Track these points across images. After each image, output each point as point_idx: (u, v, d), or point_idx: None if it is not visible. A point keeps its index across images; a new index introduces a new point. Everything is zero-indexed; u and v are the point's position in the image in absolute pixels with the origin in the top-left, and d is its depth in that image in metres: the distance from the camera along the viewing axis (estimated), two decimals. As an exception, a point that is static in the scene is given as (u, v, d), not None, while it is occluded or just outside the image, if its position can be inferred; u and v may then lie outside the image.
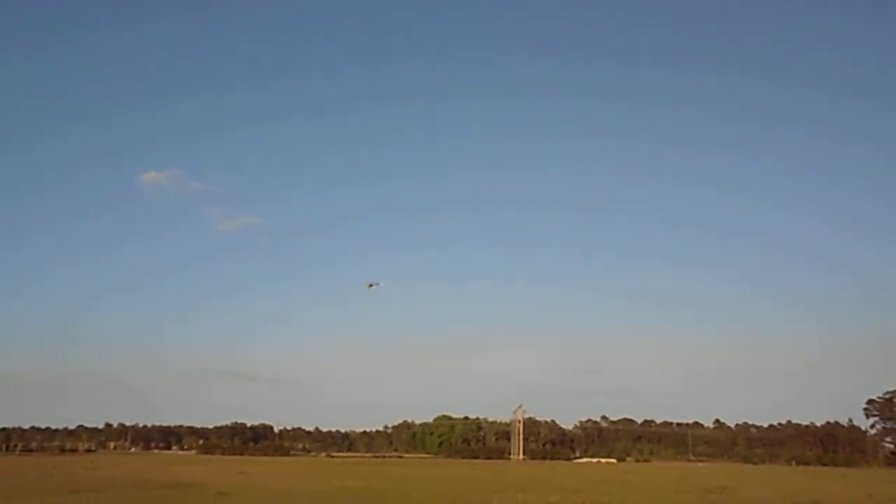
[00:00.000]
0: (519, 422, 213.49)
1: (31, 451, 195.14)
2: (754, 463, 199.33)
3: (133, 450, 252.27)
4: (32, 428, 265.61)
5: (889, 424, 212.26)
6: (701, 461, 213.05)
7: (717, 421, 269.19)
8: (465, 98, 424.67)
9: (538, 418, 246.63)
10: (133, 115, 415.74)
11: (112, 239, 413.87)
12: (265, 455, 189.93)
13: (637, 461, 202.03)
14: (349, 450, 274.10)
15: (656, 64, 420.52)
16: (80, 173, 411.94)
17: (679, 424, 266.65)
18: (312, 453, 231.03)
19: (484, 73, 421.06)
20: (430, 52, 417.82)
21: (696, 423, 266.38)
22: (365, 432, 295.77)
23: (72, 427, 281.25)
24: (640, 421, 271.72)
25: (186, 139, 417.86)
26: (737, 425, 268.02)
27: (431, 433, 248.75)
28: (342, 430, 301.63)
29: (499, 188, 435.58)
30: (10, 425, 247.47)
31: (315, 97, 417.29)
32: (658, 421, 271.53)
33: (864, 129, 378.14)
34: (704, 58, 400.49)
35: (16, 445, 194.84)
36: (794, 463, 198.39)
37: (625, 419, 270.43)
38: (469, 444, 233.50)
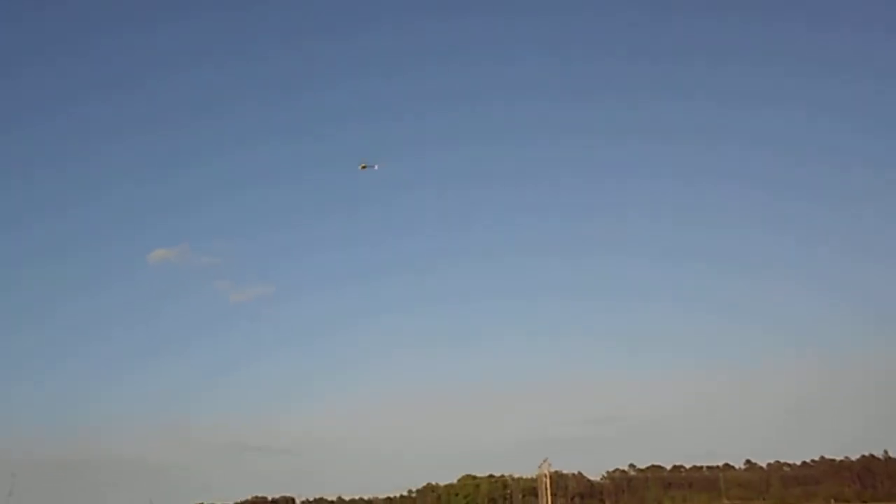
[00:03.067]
0: (545, 476, 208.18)
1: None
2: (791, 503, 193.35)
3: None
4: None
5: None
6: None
7: (749, 461, 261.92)
8: (480, 145, 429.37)
9: (565, 471, 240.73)
10: (133, 192, 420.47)
11: (124, 320, 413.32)
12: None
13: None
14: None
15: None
16: (89, 256, 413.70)
17: (710, 468, 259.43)
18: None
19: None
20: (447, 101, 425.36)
21: (727, 466, 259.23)
22: (389, 498, 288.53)
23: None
24: (669, 467, 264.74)
25: (189, 212, 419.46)
26: (769, 465, 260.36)
27: (457, 494, 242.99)
28: (365, 497, 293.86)
29: (510, 238, 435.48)
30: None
31: (317, 156, 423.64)
32: (687, 465, 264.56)
33: (866, 154, 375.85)
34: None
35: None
36: (832, 501, 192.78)
37: (653, 466, 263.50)
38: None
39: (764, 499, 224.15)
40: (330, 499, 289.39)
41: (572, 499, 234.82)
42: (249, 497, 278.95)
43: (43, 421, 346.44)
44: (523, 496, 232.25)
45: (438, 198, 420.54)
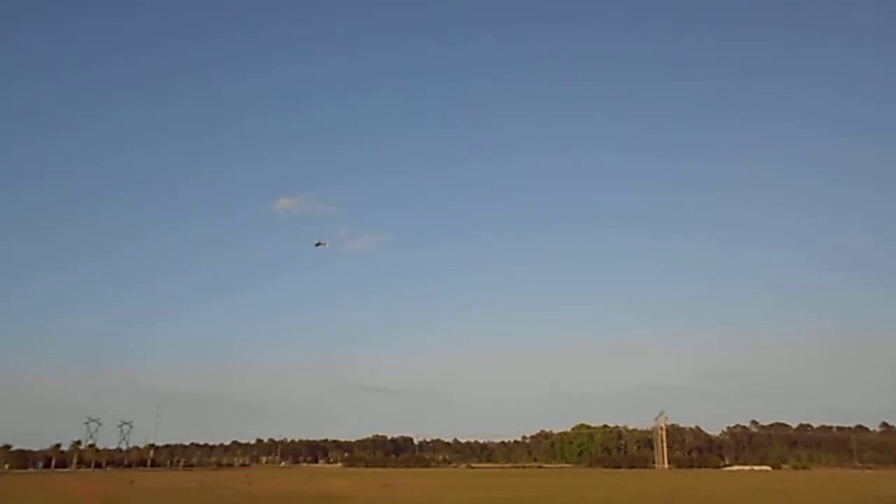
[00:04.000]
0: (661, 429, 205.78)
1: (192, 465, 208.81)
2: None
3: (283, 464, 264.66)
4: (192, 444, 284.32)
5: None
6: (869, 468, 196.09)
7: (885, 424, 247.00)
8: (598, 111, 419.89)
9: (682, 425, 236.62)
10: (260, 141, 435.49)
11: (254, 267, 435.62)
12: (407, 467, 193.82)
13: (795, 469, 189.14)
14: (488, 460, 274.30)
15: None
16: (217, 209, 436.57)
17: (840, 428, 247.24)
18: (452, 464, 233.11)
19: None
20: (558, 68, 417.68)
21: (860, 427, 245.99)
22: (503, 443, 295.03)
23: (227, 443, 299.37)
24: (794, 425, 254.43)
25: (312, 162, 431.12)
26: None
27: (570, 442, 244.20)
28: (480, 441, 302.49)
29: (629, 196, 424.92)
30: (172, 442, 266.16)
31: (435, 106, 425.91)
32: (815, 425, 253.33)
33: None
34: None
35: (178, 461, 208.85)
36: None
37: (777, 423, 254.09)
38: (610, 453, 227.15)
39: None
40: (446, 440, 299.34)
41: (689, 452, 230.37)
42: (370, 435, 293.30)
43: (185, 356, 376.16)
44: (638, 447, 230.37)
45: (563, 157, 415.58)
